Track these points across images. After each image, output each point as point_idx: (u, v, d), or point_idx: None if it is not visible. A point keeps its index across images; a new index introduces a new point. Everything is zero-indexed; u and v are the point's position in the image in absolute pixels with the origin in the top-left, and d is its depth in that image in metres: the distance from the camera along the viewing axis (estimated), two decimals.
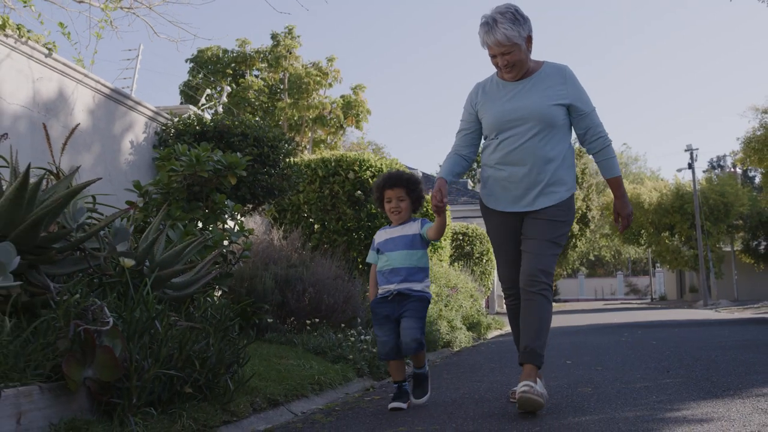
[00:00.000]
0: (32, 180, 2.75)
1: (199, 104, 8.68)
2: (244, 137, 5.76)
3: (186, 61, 23.05)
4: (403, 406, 3.24)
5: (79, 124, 3.38)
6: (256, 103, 22.12)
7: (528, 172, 3.07)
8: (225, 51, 23.27)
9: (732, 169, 36.16)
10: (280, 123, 21.68)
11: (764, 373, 3.72)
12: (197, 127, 5.82)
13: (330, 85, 22.59)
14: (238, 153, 4.73)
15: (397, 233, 3.39)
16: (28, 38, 4.33)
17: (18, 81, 4.40)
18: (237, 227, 4.72)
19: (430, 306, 7.55)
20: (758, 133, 14.52)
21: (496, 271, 18.89)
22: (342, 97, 22.66)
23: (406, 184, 3.37)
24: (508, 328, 10.93)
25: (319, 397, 3.83)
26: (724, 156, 48.91)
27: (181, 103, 23.21)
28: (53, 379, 2.41)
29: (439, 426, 2.65)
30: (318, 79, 21.88)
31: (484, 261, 15.75)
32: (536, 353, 2.93)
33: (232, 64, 23.24)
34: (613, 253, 49.44)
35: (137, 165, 5.73)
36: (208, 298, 3.76)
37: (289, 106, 21.63)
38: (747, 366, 4.07)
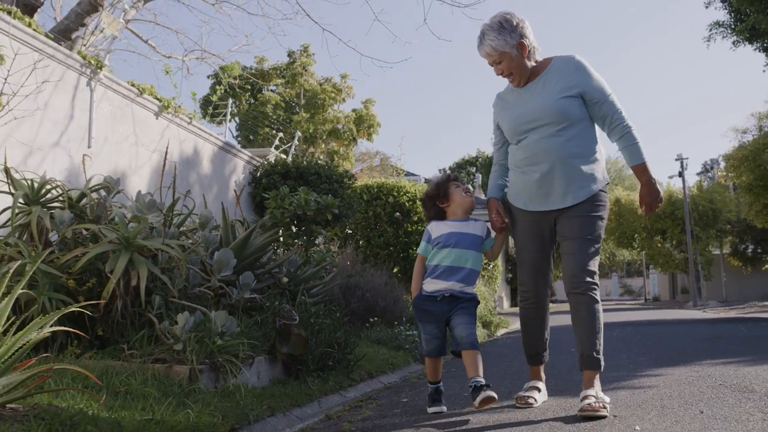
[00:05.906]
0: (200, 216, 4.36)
1: (273, 146, 10.28)
2: (318, 176, 7.35)
3: (208, 77, 24.60)
4: (444, 408, 3.22)
5: (244, 186, 4.96)
6: (273, 117, 23.65)
7: (550, 170, 2.98)
8: (244, 67, 24.74)
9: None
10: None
11: (710, 354, 5.33)
12: (281, 168, 7.42)
13: (344, 100, 24.03)
14: (329, 196, 6.31)
15: (463, 229, 3.23)
16: (181, 112, 5.94)
17: (173, 144, 6.00)
18: (326, 249, 6.32)
19: None
20: (738, 151, 16.15)
21: (500, 276, 20.17)
22: (354, 111, 24.08)
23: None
24: (513, 327, 12.36)
25: (393, 374, 5.41)
26: (718, 159, 50.51)
27: (201, 118, 24.74)
28: (267, 353, 4.00)
29: (510, 382, 4.20)
30: (333, 95, 23.33)
31: (491, 266, 17.28)
32: (594, 359, 2.95)
33: (251, 80, 24.77)
34: (608, 255, 50.70)
35: (240, 199, 7.23)
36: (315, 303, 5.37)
37: (305, 120, 23.07)
38: (702, 351, 5.68)
